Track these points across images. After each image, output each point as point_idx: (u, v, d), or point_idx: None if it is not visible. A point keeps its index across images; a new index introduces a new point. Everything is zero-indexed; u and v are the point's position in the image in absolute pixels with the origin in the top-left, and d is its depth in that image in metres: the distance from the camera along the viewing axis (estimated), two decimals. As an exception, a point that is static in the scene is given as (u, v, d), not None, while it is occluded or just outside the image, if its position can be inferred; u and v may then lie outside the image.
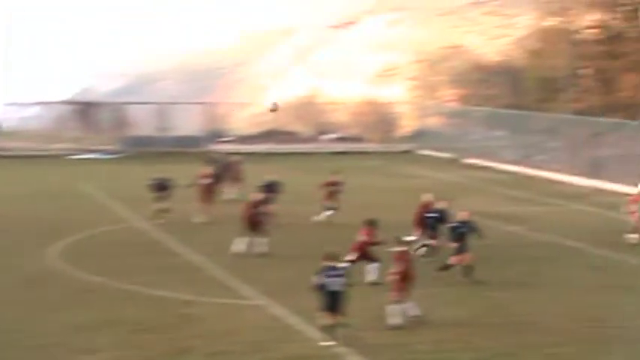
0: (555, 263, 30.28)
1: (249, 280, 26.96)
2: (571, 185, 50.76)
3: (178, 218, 36.27)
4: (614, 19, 65.39)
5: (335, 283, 20.59)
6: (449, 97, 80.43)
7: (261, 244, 30.56)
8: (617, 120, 54.87)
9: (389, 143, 70.22)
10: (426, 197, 31.68)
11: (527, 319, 23.16)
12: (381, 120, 76.33)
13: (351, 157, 62.64)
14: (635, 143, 49.39)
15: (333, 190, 36.92)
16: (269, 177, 37.50)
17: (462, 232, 27.16)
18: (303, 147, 67.60)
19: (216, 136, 68.38)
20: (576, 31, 66.59)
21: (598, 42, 65.24)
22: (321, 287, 20.66)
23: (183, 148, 62.94)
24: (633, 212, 33.80)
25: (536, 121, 59.50)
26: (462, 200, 43.04)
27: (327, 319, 20.71)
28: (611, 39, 64.43)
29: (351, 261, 25.21)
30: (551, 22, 69.09)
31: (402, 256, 22.68)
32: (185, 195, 37.56)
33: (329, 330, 20.77)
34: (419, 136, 71.41)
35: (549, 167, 55.65)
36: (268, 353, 20.41)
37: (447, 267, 27.23)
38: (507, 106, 72.11)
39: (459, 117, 69.33)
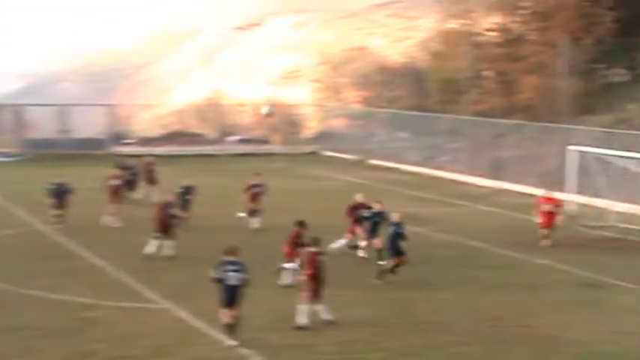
0: (460, 263, 30.58)
1: (153, 283, 26.67)
2: (474, 186, 51.40)
3: (81, 221, 35.72)
4: (514, 22, 66.38)
5: (233, 278, 20.73)
6: (353, 98, 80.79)
7: (168, 246, 30.29)
8: (517, 121, 55.73)
9: (294, 145, 70.24)
10: (358, 197, 31.71)
11: (432, 319, 23.35)
12: (285, 122, 76.34)
13: (256, 159, 62.48)
14: (534, 144, 50.21)
15: (255, 192, 36.78)
16: (185, 181, 37.07)
17: (397, 233, 27.45)
18: (208, 149, 67.20)
19: (119, 138, 67.59)
20: (478, 34, 67.44)
21: (499, 44, 66.17)
22: (219, 281, 20.79)
23: (85, 151, 62.06)
24: (542, 216, 34.05)
25: (440, 122, 60.15)
26: (368, 201, 43.32)
27: (225, 315, 20.81)
28: (512, 42, 65.38)
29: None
30: (454, 24, 69.83)
31: (313, 258, 22.70)
32: (88, 197, 36.94)
33: (228, 327, 20.78)
34: (323, 137, 71.61)
35: (452, 168, 56.30)
36: (172, 357, 20.20)
37: (390, 270, 27.31)
38: (411, 108, 72.76)
39: (363, 119, 69.68)
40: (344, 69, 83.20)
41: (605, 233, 36.81)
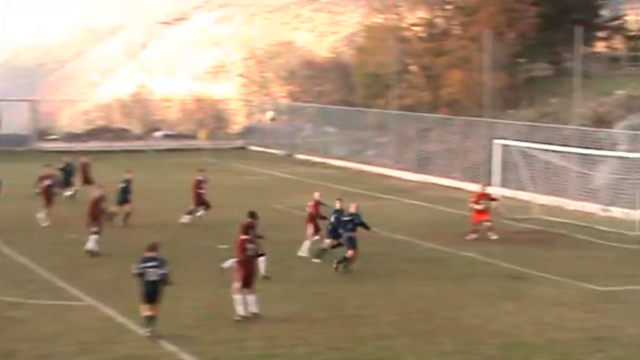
0: (386, 257, 30.74)
1: (79, 280, 26.40)
2: (400, 180, 51.73)
3: (5, 218, 35.24)
4: (439, 16, 66.91)
5: (152, 273, 20.81)
6: (280, 93, 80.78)
7: (93, 241, 30.06)
8: (442, 115, 56.23)
9: (220, 140, 70.01)
10: (316, 195, 31.63)
11: (359, 313, 23.43)
12: (212, 117, 76.07)
13: (183, 155, 62.20)
14: (460, 138, 50.69)
15: (201, 188, 36.57)
16: (126, 176, 36.68)
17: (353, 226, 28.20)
18: (134, 145, 66.65)
19: (43, 134, 66.77)
20: (403, 29, 67.83)
21: (424, 39, 66.65)
22: (140, 277, 20.91)
23: (9, 147, 61.17)
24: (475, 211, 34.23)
25: (366, 117, 60.43)
26: (296, 196, 43.40)
27: (146, 310, 20.87)
28: (437, 36, 65.89)
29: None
30: (379, 19, 70.16)
31: (243, 245, 22.78)
32: (11, 194, 36.41)
33: (148, 322, 20.81)
34: (250, 132, 71.52)
35: (379, 162, 56.60)
36: (97, 354, 19.99)
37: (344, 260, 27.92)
38: (337, 102, 73.00)
39: (290, 113, 69.68)
40: (270, 64, 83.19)
41: (529, 225, 37.29)
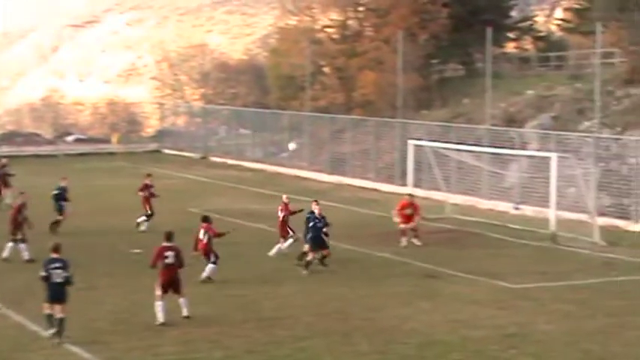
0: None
1: (-11, 288, 25.92)
2: (315, 181, 51.82)
3: None
4: (351, 18, 67.26)
5: (56, 275, 20.74)
6: (193, 96, 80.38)
7: (23, 249, 29.56)
8: (356, 117, 56.50)
9: (134, 144, 69.39)
10: (284, 198, 31.99)
11: (276, 315, 23.40)
12: (124, 120, 75.37)
13: (95, 159, 61.52)
14: (374, 139, 50.98)
15: (148, 193, 36.26)
16: (61, 183, 36.03)
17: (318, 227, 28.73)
18: (45, 149, 65.68)
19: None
20: (316, 30, 68.06)
21: (337, 41, 66.94)
22: (46, 279, 20.82)
23: None
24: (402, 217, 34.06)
25: (280, 119, 60.43)
26: (211, 199, 43.27)
27: (47, 308, 20.82)
28: (350, 38, 66.24)
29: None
30: (292, 21, 70.29)
31: (161, 252, 22.76)
32: None
33: (50, 321, 20.72)
34: (164, 135, 71.04)
35: (293, 164, 56.64)
36: (10, 363, 19.67)
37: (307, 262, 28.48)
38: (252, 105, 72.96)
39: (204, 116, 69.36)
40: (183, 66, 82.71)
41: (443, 225, 37.63)
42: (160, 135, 71.65)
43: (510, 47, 68.69)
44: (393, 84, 55.33)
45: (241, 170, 57.70)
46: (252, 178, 53.73)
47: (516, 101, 50.64)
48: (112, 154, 64.09)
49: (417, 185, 42.49)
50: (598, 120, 42.03)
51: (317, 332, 21.82)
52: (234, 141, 63.01)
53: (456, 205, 40.59)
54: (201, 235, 27.36)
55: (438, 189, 42.71)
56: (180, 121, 72.72)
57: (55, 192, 35.19)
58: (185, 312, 22.71)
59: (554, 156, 35.50)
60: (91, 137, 72.24)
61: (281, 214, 31.43)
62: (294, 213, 31.27)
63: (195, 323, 22.44)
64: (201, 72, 79.45)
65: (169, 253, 22.67)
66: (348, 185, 50.04)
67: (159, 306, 22.39)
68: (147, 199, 36.14)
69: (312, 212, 29.53)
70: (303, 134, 57.02)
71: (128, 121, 76.10)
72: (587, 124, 44.47)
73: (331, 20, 68.51)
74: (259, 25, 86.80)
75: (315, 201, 30.43)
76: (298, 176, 54.21)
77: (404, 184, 43.14)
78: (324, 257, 28.99)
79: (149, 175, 37.69)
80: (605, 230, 34.89)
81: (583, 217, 36.17)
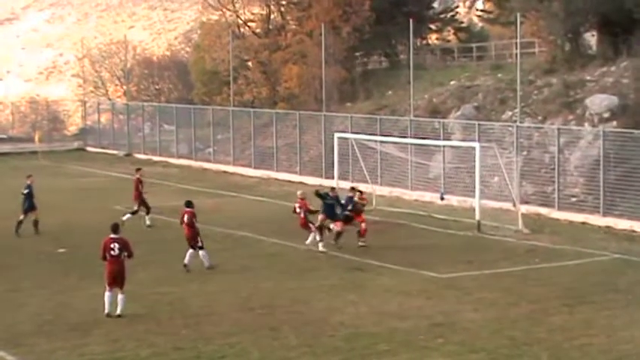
0: (229, 254, 30.67)
1: None
2: (241, 176, 51.72)
3: None
4: (274, 12, 67.19)
5: None
6: (116, 93, 79.63)
7: None
8: (281, 111, 56.47)
9: (56, 142, 68.55)
10: (299, 194, 32.73)
11: (203, 312, 23.29)
12: (46, 119, 74.41)
13: (17, 158, 60.63)
14: (298, 133, 50.99)
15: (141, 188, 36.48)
16: (27, 181, 35.27)
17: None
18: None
19: None
20: (239, 25, 67.87)
21: (260, 35, 66.83)
22: None
23: None
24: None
25: (205, 114, 60.16)
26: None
27: None
28: (273, 32, 66.17)
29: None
30: (214, 15, 69.98)
31: (107, 244, 23.01)
32: None
33: None
34: (87, 133, 70.34)
35: (219, 159, 56.44)
36: None
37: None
38: (176, 100, 72.51)
39: (127, 113, 68.75)
40: (106, 63, 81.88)
41: (369, 217, 37.68)
42: (83, 133, 70.92)
43: (433, 39, 69.24)
44: (317, 77, 55.41)
45: (166, 167, 57.32)
46: (178, 174, 53.44)
47: (439, 92, 51.02)
48: (34, 153, 63.16)
49: (343, 178, 42.60)
50: (520, 109, 42.53)
51: (245, 328, 21.77)
52: (159, 137, 62.58)
53: (382, 196, 40.78)
54: (185, 220, 28.44)
55: (364, 181, 42.88)
56: (104, 119, 72.00)
57: (25, 191, 34.44)
58: (118, 310, 22.69)
59: (477, 146, 35.86)
60: (12, 136, 71.15)
61: (301, 212, 31.84)
62: (313, 212, 31.79)
63: (121, 322, 22.27)
64: (123, 69, 78.73)
65: (114, 245, 22.92)
66: (275, 179, 50.02)
67: (106, 297, 22.72)
68: (139, 194, 36.09)
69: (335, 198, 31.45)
70: (228, 129, 56.80)
71: (50, 120, 75.13)
72: (509, 113, 44.99)
73: (254, 14, 68.37)
74: (182, 20, 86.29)
75: (352, 188, 32.63)
76: (224, 171, 54.04)
77: (330, 177, 43.23)
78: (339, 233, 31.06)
79: (139, 170, 37.71)
80: (528, 218, 35.37)
81: (507, 205, 36.64)
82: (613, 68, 44.15)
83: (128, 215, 35.39)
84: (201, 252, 28.18)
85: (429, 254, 30.08)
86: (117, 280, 22.84)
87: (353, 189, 32.63)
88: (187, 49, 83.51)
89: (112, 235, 23.17)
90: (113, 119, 70.07)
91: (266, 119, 55.80)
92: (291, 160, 51.47)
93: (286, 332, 21.30)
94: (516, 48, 46.12)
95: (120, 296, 22.82)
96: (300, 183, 48.30)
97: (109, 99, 79.46)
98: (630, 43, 44.17)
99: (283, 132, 53.24)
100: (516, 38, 44.82)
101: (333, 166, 41.62)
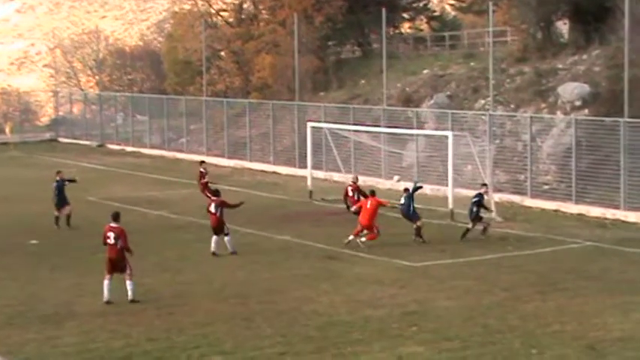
0: (203, 244, 30.51)
1: None
2: (214, 166, 51.53)
3: None
4: (247, 1, 66.98)
5: None
6: (89, 83, 79.25)
7: None
8: (254, 100, 56.35)
9: (29, 133, 68.17)
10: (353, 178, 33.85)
11: (177, 302, 23.22)
12: (18, 109, 73.97)
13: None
14: (272, 122, 50.91)
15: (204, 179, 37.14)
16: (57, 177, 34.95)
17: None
18: None
19: None
20: (211, 14, 67.63)
21: (233, 24, 66.62)
22: None
23: None
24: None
25: (178, 104, 59.96)
26: (109, 187, 42.74)
27: None
28: (245, 21, 65.98)
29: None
30: (187, 5, 69.73)
31: (105, 233, 23.37)
32: None
33: None
34: (59, 124, 69.96)
35: (192, 149, 56.29)
36: None
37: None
38: (149, 91, 72.26)
39: (100, 103, 68.45)
40: (78, 54, 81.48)
41: (342, 206, 37.73)
42: (55, 124, 70.54)
43: (405, 27, 69.25)
44: (290, 67, 55.30)
45: (139, 157, 57.14)
46: (151, 164, 53.27)
47: (412, 81, 51.06)
48: (5, 144, 62.80)
49: (316, 167, 42.65)
50: (492, 98, 42.63)
51: (218, 318, 21.73)
52: (132, 128, 62.35)
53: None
54: (212, 209, 28.92)
55: (337, 170, 42.92)
56: (76, 109, 71.65)
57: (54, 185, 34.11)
58: (129, 296, 23.09)
59: (450, 134, 35.90)
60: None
61: (354, 194, 33.17)
62: (363, 193, 32.79)
63: (94, 313, 22.16)
64: (96, 59, 78.34)
65: (110, 234, 23.27)
66: (248, 169, 49.95)
67: (105, 285, 23.07)
68: (205, 186, 36.58)
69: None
70: (201, 119, 56.65)
71: (22, 111, 74.67)
72: (482, 102, 45.08)
73: (226, 4, 68.14)
74: (154, 10, 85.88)
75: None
76: (196, 161, 53.78)
77: (303, 167, 43.22)
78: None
79: (203, 162, 38.79)
80: (501, 206, 35.47)
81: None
82: (585, 56, 44.32)
83: None
84: (226, 238, 28.80)
85: (402, 243, 30.10)
86: (115, 267, 23.22)
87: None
88: (160, 39, 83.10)
89: (111, 224, 23.49)
90: (85, 110, 69.75)
91: (239, 109, 55.66)
92: (265, 150, 51.39)
93: (260, 322, 21.27)
94: (489, 36, 46.20)
95: (127, 282, 23.17)
96: (274, 173, 48.31)
97: (82, 89, 79.05)
98: (602, 31, 44.34)
99: (256, 122, 53.13)
100: (489, 27, 44.89)
101: (306, 156, 41.61)
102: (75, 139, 65.88)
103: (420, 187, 32.54)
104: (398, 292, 24.02)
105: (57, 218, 33.46)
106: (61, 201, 33.84)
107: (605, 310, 21.86)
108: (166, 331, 20.67)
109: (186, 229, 33.42)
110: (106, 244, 23.48)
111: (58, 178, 34.39)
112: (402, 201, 31.14)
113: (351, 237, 29.45)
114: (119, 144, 61.78)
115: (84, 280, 25.47)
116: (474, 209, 30.93)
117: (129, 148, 60.16)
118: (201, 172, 38.11)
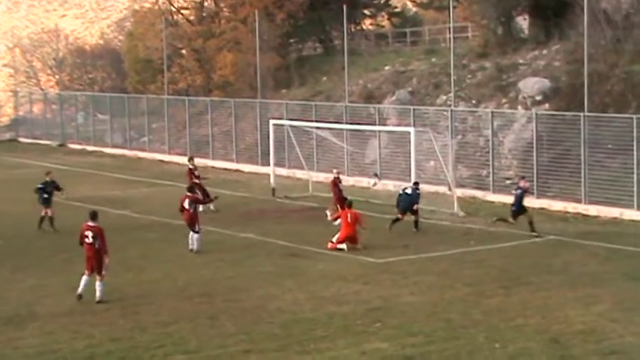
0: (166, 243, 30.48)
1: None
2: (177, 165, 51.37)
3: None
4: (208, -1, 66.86)
5: None
6: (49, 83, 78.71)
7: None
8: (216, 98, 56.21)
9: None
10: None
11: (140, 302, 23.10)
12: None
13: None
14: (235, 120, 50.81)
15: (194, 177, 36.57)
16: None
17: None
18: None
19: None
20: (172, 12, 67.36)
21: (194, 22, 66.41)
22: None
23: None
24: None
25: (140, 103, 59.68)
26: (70, 187, 42.35)
27: None
28: (206, 19, 65.80)
29: None
30: (147, 3, 69.40)
31: (82, 232, 23.27)
32: None
33: None
34: (19, 124, 69.44)
35: (154, 148, 56.07)
36: None
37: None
38: (110, 90, 71.83)
39: (60, 103, 68.00)
40: (37, 53, 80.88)
41: (305, 203, 37.81)
42: (15, 124, 70.03)
43: (367, 24, 69.37)
44: (252, 64, 55.22)
45: (101, 156, 56.85)
46: (113, 163, 53.00)
47: (374, 78, 51.14)
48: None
49: (279, 164, 42.61)
50: (454, 93, 42.78)
51: (182, 316, 21.64)
52: (93, 127, 61.98)
53: (318, 182, 40.79)
54: (186, 205, 29.07)
55: (300, 167, 42.90)
56: (36, 109, 71.14)
57: (39, 186, 33.61)
58: (98, 296, 22.94)
59: (412, 130, 35.98)
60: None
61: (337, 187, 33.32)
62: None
63: (56, 314, 22.01)
64: (56, 58, 77.79)
65: (88, 233, 23.19)
66: (211, 167, 49.78)
67: (82, 279, 23.11)
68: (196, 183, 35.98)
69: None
70: (163, 117, 56.41)
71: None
72: (443, 97, 45.24)
73: (187, 2, 67.89)
74: (114, 8, 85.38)
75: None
76: (160, 160, 53.72)
77: (266, 164, 43.17)
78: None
79: (191, 159, 38.35)
80: (463, 201, 35.62)
81: (442, 189, 36.86)
82: (545, 51, 44.59)
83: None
84: (196, 235, 28.76)
85: (366, 239, 30.10)
86: (93, 267, 23.15)
87: None
88: (120, 37, 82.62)
89: (89, 223, 23.39)
90: (46, 109, 69.27)
91: (201, 107, 55.50)
92: (227, 148, 51.28)
93: (224, 320, 21.22)
94: (450, 33, 46.35)
95: (97, 283, 23.00)
96: (237, 171, 48.22)
97: (42, 89, 78.48)
98: (561, 26, 44.62)
99: (218, 120, 53.01)
100: (449, 23, 45.05)
101: (269, 153, 41.55)
102: (35, 139, 65.44)
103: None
104: (362, 288, 24.05)
105: (51, 219, 32.98)
106: (47, 201, 33.26)
107: (568, 303, 22.02)
108: (130, 331, 20.57)
109: (149, 228, 33.28)
110: (82, 243, 23.33)
111: (47, 179, 33.79)
112: (409, 191, 31.64)
113: (344, 246, 29.09)
114: (80, 143, 61.41)
115: (46, 281, 25.32)
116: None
117: (90, 148, 59.83)
118: (190, 169, 37.46)
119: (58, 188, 33.92)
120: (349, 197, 31.39)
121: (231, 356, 18.74)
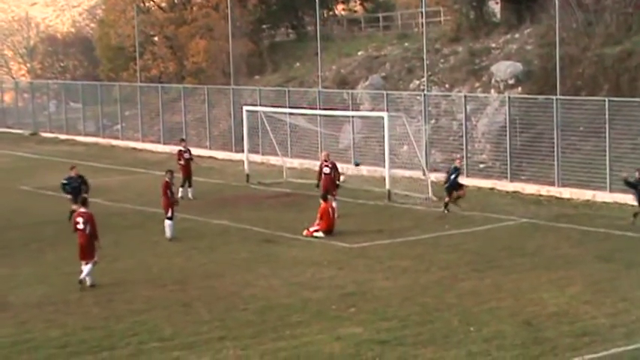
0: (140, 231, 30.41)
1: None
2: (150, 152, 51.27)
3: None
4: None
5: None
6: (20, 71, 78.22)
7: None
8: (189, 85, 56.01)
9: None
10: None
11: (114, 290, 23.02)
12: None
13: None
14: (207, 107, 50.65)
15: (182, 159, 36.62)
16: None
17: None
18: None
19: None
20: (143, -1, 67.06)
21: (166, 9, 66.08)
22: None
23: None
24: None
25: (112, 90, 59.40)
26: (43, 176, 42.21)
27: None
28: (178, 6, 65.49)
29: None
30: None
31: (75, 219, 23.53)
32: None
33: None
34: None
35: (127, 136, 55.85)
36: None
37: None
38: (82, 78, 71.45)
39: (32, 91, 67.61)
40: (8, 41, 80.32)
41: (279, 189, 37.77)
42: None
43: (339, 9, 69.24)
44: (225, 51, 55.04)
45: (74, 145, 56.58)
46: (85, 152, 52.77)
47: (347, 63, 51.10)
48: None
49: (253, 151, 42.52)
50: (427, 78, 42.80)
51: (157, 304, 21.58)
52: (65, 115, 61.64)
53: (292, 169, 40.76)
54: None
55: (274, 154, 42.84)
56: (8, 98, 70.69)
57: (64, 182, 32.88)
58: (87, 281, 23.17)
59: (386, 115, 35.98)
60: None
61: (331, 172, 32.39)
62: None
63: (30, 304, 21.90)
64: (27, 46, 77.31)
65: (79, 219, 23.42)
66: (185, 154, 49.58)
67: (82, 268, 23.28)
68: (183, 167, 36.08)
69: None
70: (135, 105, 56.17)
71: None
72: (416, 82, 45.26)
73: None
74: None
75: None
76: (133, 148, 53.51)
77: (240, 151, 43.07)
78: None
79: (183, 141, 38.03)
80: (437, 186, 35.64)
81: (417, 174, 36.90)
82: (517, 35, 44.67)
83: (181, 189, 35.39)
84: (168, 222, 28.69)
85: (340, 225, 30.04)
86: (85, 254, 23.31)
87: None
88: (92, 25, 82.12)
89: (81, 209, 23.63)
90: (17, 98, 68.86)
91: (174, 94, 55.31)
92: (201, 135, 51.14)
93: (198, 307, 21.18)
94: (422, 17, 46.35)
95: (85, 267, 23.19)
96: (210, 157, 48.07)
97: (13, 77, 77.98)
98: (533, 10, 44.69)
99: (192, 107, 52.84)
100: (422, 7, 45.04)
101: (242, 140, 41.46)
102: (7, 127, 65.08)
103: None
104: (336, 273, 24.05)
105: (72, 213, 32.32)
106: (74, 196, 31.40)
107: (541, 285, 22.10)
108: (104, 319, 20.50)
109: (123, 215, 33.15)
110: (76, 230, 23.48)
111: (72, 174, 32.53)
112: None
113: (320, 234, 28.82)
114: (52, 132, 61.07)
115: (18, 270, 25.21)
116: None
117: (63, 136, 59.51)
118: (180, 151, 37.12)
119: (85, 183, 32.31)
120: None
121: (206, 343, 18.70)
